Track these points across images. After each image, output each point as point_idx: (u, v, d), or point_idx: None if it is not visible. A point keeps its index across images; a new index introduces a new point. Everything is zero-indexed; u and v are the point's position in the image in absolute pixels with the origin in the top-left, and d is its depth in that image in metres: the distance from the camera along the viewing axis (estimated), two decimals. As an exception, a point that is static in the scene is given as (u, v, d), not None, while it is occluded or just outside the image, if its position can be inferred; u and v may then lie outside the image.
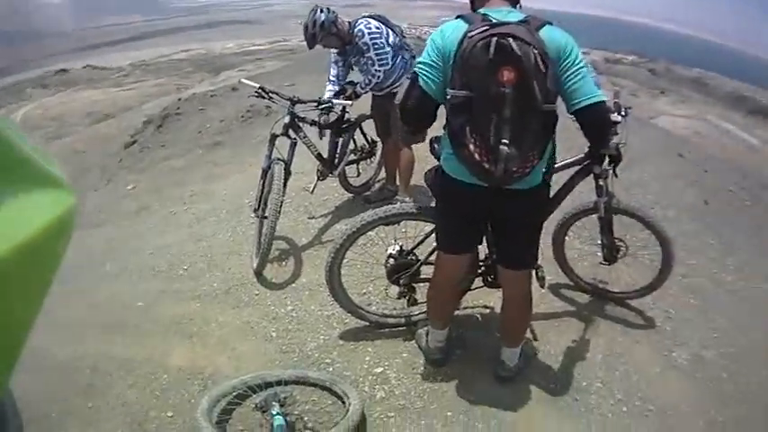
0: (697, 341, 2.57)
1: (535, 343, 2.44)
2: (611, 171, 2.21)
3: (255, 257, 2.92)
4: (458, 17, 1.70)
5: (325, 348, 2.45)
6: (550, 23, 1.67)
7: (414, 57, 3.19)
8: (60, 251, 0.42)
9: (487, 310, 2.63)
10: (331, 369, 2.35)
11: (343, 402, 2.12)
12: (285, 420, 1.88)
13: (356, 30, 3.07)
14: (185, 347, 2.51)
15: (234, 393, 2.15)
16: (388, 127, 3.32)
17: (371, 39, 3.05)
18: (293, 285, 2.85)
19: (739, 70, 20.50)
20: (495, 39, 1.51)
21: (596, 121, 1.70)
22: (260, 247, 2.92)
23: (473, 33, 1.56)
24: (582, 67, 1.64)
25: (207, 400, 2.01)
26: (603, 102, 1.66)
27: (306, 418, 2.12)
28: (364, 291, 2.74)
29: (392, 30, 3.19)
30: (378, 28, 3.09)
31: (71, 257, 0.41)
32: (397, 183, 3.52)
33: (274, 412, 1.91)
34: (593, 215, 2.40)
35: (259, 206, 2.98)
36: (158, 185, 4.09)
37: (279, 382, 2.18)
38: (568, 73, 1.62)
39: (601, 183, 2.22)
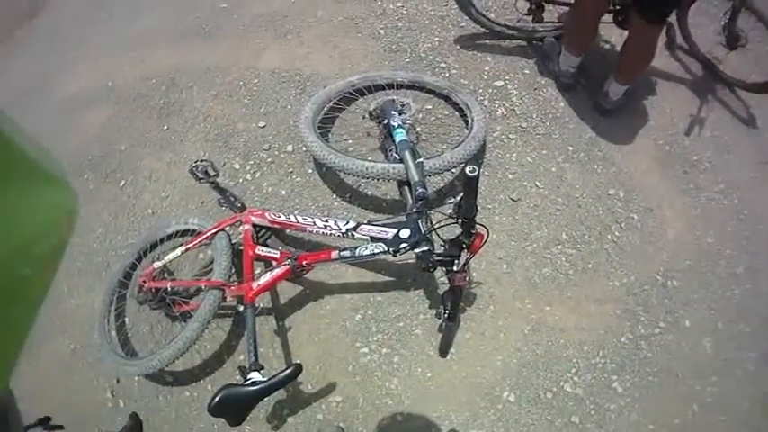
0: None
1: (648, 101, 2.27)
2: None
3: None
4: None
5: (440, 51, 2.10)
6: None
7: None
8: (60, 251, 0.39)
9: (608, 46, 2.37)
10: (447, 75, 2.04)
11: (463, 115, 1.87)
12: (407, 134, 1.57)
13: None
14: (278, 48, 2.09)
15: (338, 97, 1.85)
16: None
17: None
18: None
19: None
20: None
21: None
22: None
23: None
24: None
25: (310, 107, 1.72)
26: None
27: (419, 129, 1.87)
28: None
29: None
30: None
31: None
32: None
33: (395, 124, 1.57)
34: None
35: None
36: None
37: (390, 86, 1.87)
38: None
39: None
